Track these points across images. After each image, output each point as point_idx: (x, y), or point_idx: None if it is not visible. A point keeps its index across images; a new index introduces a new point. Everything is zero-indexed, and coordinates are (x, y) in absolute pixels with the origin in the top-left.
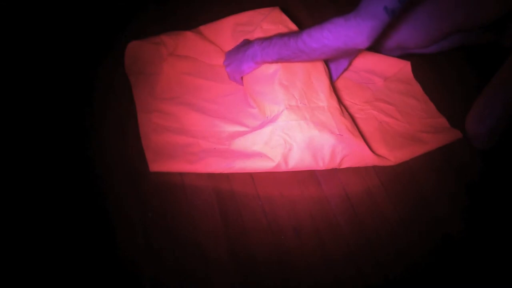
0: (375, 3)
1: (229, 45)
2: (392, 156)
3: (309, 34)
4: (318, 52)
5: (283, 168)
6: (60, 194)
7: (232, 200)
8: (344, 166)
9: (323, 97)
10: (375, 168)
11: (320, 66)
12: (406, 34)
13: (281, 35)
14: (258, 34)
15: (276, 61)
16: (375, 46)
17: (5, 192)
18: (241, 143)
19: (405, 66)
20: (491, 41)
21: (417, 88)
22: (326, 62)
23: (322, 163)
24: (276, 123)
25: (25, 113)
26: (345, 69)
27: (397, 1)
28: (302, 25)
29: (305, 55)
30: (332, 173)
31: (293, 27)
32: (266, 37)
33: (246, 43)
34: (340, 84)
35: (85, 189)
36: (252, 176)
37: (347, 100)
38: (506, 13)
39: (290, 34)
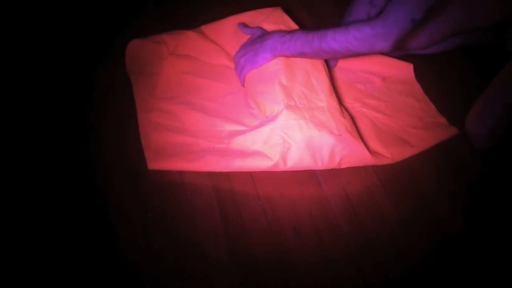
0: (404, 14)
1: (231, 45)
2: (389, 153)
3: (334, 37)
4: (340, 54)
5: (281, 167)
6: (60, 194)
7: (232, 200)
8: (343, 166)
9: (323, 97)
10: (374, 168)
11: (320, 66)
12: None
13: (304, 32)
14: None
15: (295, 56)
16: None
17: (5, 192)
18: (240, 142)
19: (407, 68)
20: (491, 41)
21: (417, 88)
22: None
23: (321, 163)
24: (276, 122)
25: (25, 113)
26: (333, 67)
27: (422, 12)
28: (303, 25)
29: (326, 54)
30: (332, 173)
31: (295, 27)
32: (287, 31)
33: (262, 34)
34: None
35: (85, 189)
36: (252, 176)
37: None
38: (508, 17)
39: (314, 33)
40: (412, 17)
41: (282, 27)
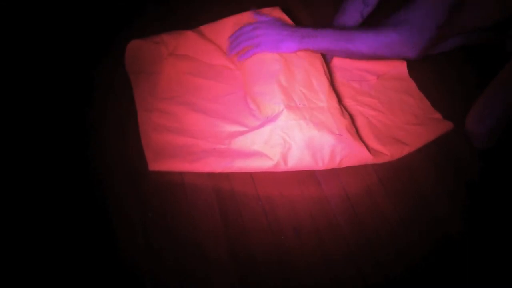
0: (429, 21)
1: None
2: (387, 151)
3: (362, 41)
4: (366, 57)
5: (282, 168)
6: (60, 194)
7: (232, 200)
8: (343, 166)
9: (323, 98)
10: (374, 167)
11: (319, 66)
12: None
13: (333, 30)
14: None
15: (320, 51)
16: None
17: (5, 192)
18: (240, 142)
19: (401, 65)
20: (491, 41)
21: (411, 85)
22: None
23: (322, 163)
24: (276, 122)
25: (25, 113)
26: (329, 62)
27: (445, 14)
28: (302, 25)
29: (351, 55)
30: (332, 173)
31: None
32: (315, 27)
33: (282, 23)
34: None
35: (85, 189)
36: (252, 176)
37: None
38: (508, 17)
39: (342, 32)
40: (437, 24)
41: None
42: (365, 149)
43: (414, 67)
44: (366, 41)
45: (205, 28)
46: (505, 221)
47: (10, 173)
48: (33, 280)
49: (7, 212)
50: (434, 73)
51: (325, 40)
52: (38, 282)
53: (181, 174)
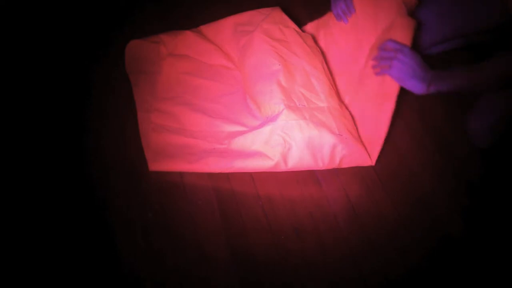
0: None
1: (229, 45)
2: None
3: (493, 66)
4: (495, 83)
5: (282, 168)
6: (60, 195)
7: (232, 200)
8: (343, 166)
9: (323, 98)
10: (374, 168)
11: (319, 66)
12: None
13: (459, 69)
14: (258, 33)
15: (450, 91)
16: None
17: (5, 193)
18: (240, 143)
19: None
20: (492, 41)
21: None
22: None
23: (322, 163)
24: (276, 122)
25: (24, 113)
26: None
27: None
28: (302, 24)
29: (481, 85)
30: (332, 173)
31: (294, 26)
32: (443, 70)
33: (424, 64)
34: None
35: (85, 189)
36: (252, 176)
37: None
38: (509, 20)
39: (469, 68)
40: None
41: (281, 27)
42: (364, 150)
43: None
44: (494, 67)
45: (205, 28)
46: (505, 221)
47: (9, 174)
48: (33, 280)
49: (7, 213)
50: None
51: (456, 79)
52: (38, 282)
53: (181, 174)
